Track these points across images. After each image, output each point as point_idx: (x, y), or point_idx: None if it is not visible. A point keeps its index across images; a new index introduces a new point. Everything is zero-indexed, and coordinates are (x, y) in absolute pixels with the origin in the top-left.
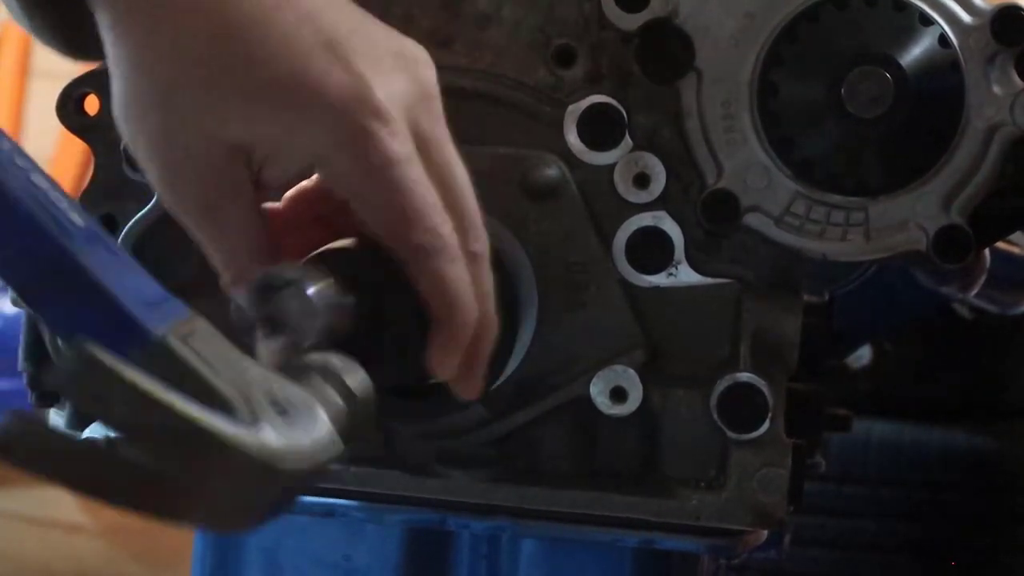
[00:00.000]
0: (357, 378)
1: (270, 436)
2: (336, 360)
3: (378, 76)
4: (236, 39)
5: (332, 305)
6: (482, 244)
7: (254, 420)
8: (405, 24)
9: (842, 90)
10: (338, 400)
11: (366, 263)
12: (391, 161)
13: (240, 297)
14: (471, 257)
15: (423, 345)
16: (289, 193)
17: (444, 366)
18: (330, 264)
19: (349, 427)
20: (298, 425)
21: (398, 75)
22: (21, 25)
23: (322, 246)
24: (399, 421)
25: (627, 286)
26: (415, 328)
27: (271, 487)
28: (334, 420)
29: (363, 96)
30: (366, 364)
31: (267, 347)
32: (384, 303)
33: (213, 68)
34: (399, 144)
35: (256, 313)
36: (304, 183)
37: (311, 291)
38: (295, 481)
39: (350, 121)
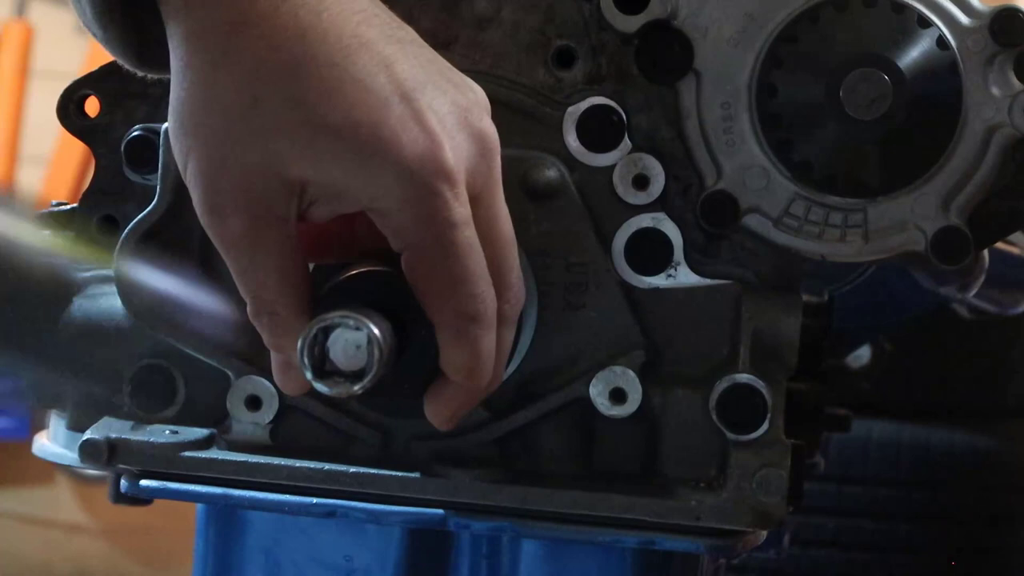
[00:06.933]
0: None
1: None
2: None
3: (446, 134)
4: (314, 77)
5: (383, 361)
6: (514, 306)
7: None
8: None
9: (841, 92)
10: None
11: (399, 291)
12: (451, 224)
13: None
14: (501, 319)
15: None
16: None
17: (436, 416)
18: (369, 294)
19: None
20: None
21: (461, 132)
22: (93, 35)
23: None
24: (399, 420)
25: (626, 287)
26: (431, 369)
27: None
28: None
29: (436, 157)
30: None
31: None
32: (411, 339)
33: (285, 102)
34: (460, 206)
35: (307, 359)
36: None
37: (365, 341)
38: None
39: (422, 182)
